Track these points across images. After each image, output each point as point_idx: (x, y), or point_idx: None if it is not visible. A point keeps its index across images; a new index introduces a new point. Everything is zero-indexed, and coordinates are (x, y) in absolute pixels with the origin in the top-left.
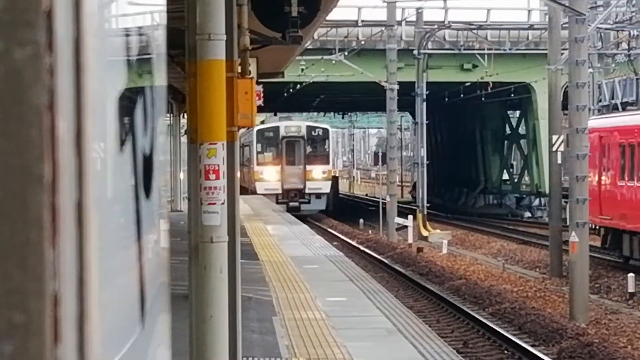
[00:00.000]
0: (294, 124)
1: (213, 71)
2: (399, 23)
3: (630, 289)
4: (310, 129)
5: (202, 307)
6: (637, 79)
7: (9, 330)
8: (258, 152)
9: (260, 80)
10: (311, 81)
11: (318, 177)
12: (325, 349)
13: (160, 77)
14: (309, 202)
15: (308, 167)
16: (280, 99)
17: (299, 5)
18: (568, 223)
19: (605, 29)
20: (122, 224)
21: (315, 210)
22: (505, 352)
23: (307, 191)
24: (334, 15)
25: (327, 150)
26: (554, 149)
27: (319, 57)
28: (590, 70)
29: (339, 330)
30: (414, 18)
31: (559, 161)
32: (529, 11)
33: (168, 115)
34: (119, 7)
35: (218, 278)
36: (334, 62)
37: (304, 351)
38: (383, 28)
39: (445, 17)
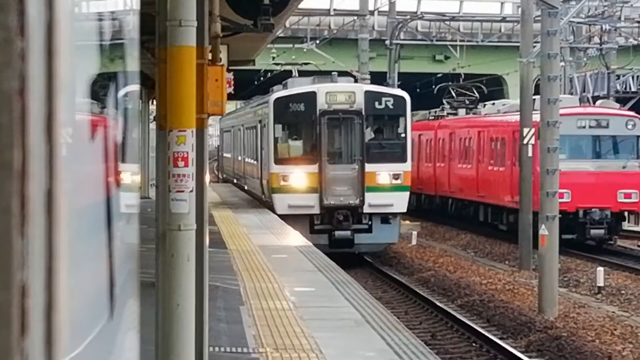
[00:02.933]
0: (343, 88)
1: (183, 58)
2: (372, 13)
3: (599, 282)
4: (372, 96)
5: (169, 296)
6: (608, 73)
7: None
8: (277, 140)
9: (230, 67)
10: (282, 69)
11: (386, 185)
12: (293, 339)
13: (132, 63)
14: (369, 230)
15: (369, 168)
16: (251, 86)
17: None
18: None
19: (578, 22)
20: (91, 212)
21: (381, 246)
22: (474, 344)
23: (366, 210)
24: (306, 3)
25: (404, 136)
26: (525, 141)
27: (290, 45)
28: (562, 63)
29: (307, 320)
30: (386, 8)
31: (529, 154)
32: (502, 3)
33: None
34: None
35: (185, 266)
36: (305, 50)
37: (271, 341)
38: (355, 17)
39: (417, 7)
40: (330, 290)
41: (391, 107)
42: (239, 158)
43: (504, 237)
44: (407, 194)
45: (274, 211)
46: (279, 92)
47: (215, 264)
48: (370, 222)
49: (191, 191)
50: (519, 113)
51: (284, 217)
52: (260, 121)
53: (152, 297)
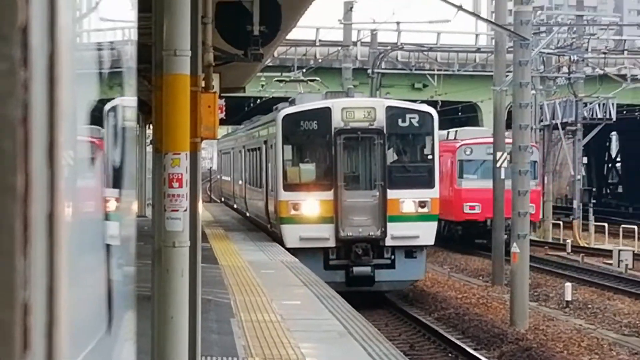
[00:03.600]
0: (362, 104)
1: (178, 85)
2: (355, 44)
3: (567, 297)
4: (395, 113)
5: (164, 308)
6: (576, 101)
7: None
8: (286, 163)
9: (222, 94)
10: (270, 96)
11: (411, 214)
12: (280, 349)
13: (130, 90)
14: (392, 266)
15: (391, 194)
16: (242, 112)
17: (260, 25)
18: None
19: (548, 53)
20: (90, 232)
21: (405, 283)
22: (450, 354)
23: (388, 243)
24: (293, 34)
25: (430, 158)
26: (498, 165)
27: (279, 73)
28: (533, 91)
29: (293, 332)
30: (368, 39)
31: (502, 176)
32: (477, 35)
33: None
34: (92, 22)
35: (179, 281)
36: (292, 77)
37: (259, 351)
38: (339, 48)
39: (398, 39)
40: (315, 303)
41: (416, 124)
42: (240, 182)
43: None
44: (435, 224)
45: (282, 244)
46: (288, 109)
47: (208, 279)
48: (393, 257)
49: (185, 210)
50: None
51: (294, 251)
52: (265, 142)
53: (148, 309)
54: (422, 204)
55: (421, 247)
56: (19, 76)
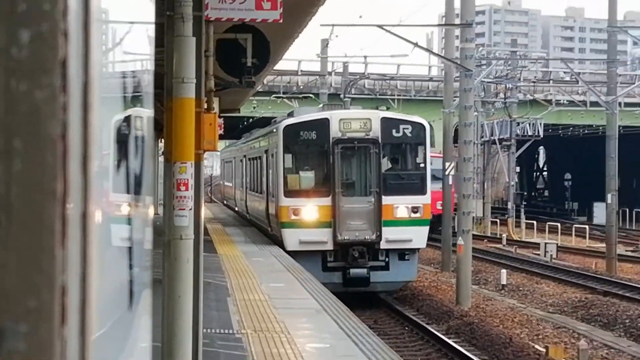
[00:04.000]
0: (359, 115)
1: (185, 107)
2: (330, 73)
3: (503, 281)
4: (389, 124)
5: (172, 289)
6: (510, 121)
7: (25, 315)
8: (287, 170)
9: (221, 114)
10: (261, 116)
11: (405, 219)
12: (267, 323)
13: (148, 110)
14: (386, 268)
15: (386, 200)
16: (237, 129)
17: (252, 58)
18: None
19: (487, 82)
20: (116, 227)
21: (399, 284)
22: (406, 328)
23: (383, 246)
24: (279, 65)
25: (422, 166)
26: (447, 173)
27: (267, 97)
28: (475, 113)
29: (278, 308)
30: (341, 70)
31: (450, 182)
32: (430, 67)
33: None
34: (117, 55)
35: (185, 267)
36: (279, 101)
37: (250, 324)
38: (317, 77)
39: (365, 69)
40: (296, 285)
41: (409, 135)
42: (241, 187)
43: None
44: (427, 228)
45: (282, 247)
46: (288, 120)
47: (208, 265)
48: (387, 259)
49: (190, 209)
50: None
51: (293, 253)
52: (266, 151)
53: (159, 290)
54: (414, 210)
55: (413, 250)
56: (59, 101)
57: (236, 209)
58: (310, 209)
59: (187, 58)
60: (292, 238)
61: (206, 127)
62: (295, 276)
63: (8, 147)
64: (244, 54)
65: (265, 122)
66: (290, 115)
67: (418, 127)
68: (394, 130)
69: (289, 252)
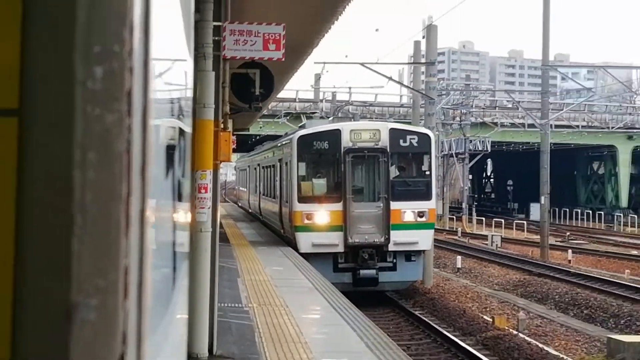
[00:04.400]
0: (368, 126)
1: (205, 127)
2: (321, 100)
3: (458, 265)
4: (397, 134)
5: (194, 272)
6: (465, 139)
7: (95, 292)
8: (301, 177)
9: (234, 132)
10: (266, 134)
11: (412, 223)
12: (269, 298)
13: (186, 130)
14: (393, 268)
15: (394, 205)
16: (247, 144)
17: (259, 88)
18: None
19: (447, 108)
20: (166, 226)
21: (405, 284)
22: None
23: (391, 248)
24: (281, 94)
25: (428, 173)
26: None
27: (272, 119)
28: (437, 132)
29: (278, 287)
30: (330, 97)
31: None
32: (401, 96)
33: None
34: (167, 86)
35: (204, 255)
36: (280, 122)
37: (256, 300)
38: (311, 103)
39: (349, 97)
40: (293, 269)
41: (415, 144)
42: (255, 192)
43: None
44: (432, 231)
45: (296, 249)
46: (302, 131)
47: (223, 253)
48: (394, 260)
49: (209, 208)
50: None
51: (306, 255)
52: (280, 160)
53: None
54: (420, 214)
55: (419, 252)
56: (125, 123)
57: (250, 210)
58: (323, 214)
59: (207, 88)
60: (305, 241)
61: (222, 143)
62: (292, 262)
63: (84, 160)
64: (253, 85)
65: (270, 138)
66: (302, 127)
67: (424, 138)
68: (401, 140)
69: (302, 254)
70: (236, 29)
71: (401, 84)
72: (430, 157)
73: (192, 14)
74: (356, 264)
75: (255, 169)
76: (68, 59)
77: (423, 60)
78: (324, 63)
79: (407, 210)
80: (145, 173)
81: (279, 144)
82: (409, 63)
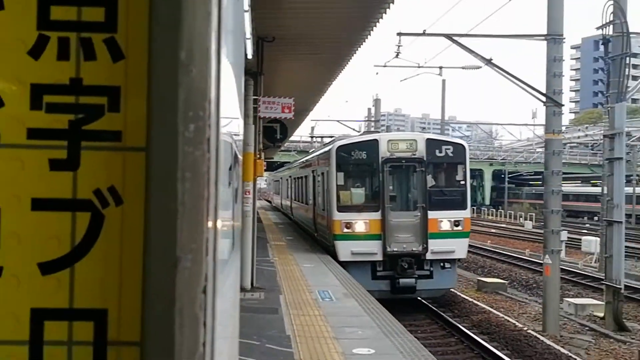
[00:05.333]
0: (405, 137)
1: (249, 157)
2: (314, 142)
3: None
4: (433, 144)
5: (243, 239)
6: None
7: (190, 251)
8: (340, 187)
9: (265, 160)
10: (283, 161)
11: (448, 231)
12: (285, 255)
13: (239, 157)
14: (430, 276)
15: (431, 214)
16: (273, 167)
17: (280, 134)
18: None
19: None
20: (228, 214)
21: (441, 291)
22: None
23: (429, 257)
24: (292, 137)
25: (462, 183)
26: None
27: (286, 152)
28: None
29: (289, 248)
30: (319, 141)
31: None
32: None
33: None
34: (228, 134)
35: (249, 229)
36: (291, 154)
37: (277, 255)
38: (308, 143)
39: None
40: (301, 240)
41: (451, 154)
42: (287, 197)
43: None
44: (467, 240)
45: (335, 257)
46: (341, 141)
47: (258, 229)
48: (431, 269)
49: (250, 203)
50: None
51: (345, 263)
52: (313, 171)
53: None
54: (456, 223)
55: (455, 260)
56: (206, 156)
57: (281, 209)
58: (361, 223)
59: (250, 135)
60: (344, 249)
61: (258, 166)
62: (299, 234)
63: (183, 177)
64: (276, 133)
65: (286, 164)
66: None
67: (459, 148)
68: (437, 150)
69: (341, 263)
70: (266, 100)
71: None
72: (465, 167)
73: (242, 91)
74: (395, 272)
75: (287, 180)
76: (174, 118)
77: (373, 119)
78: (317, 121)
79: (443, 219)
80: (217, 184)
81: (309, 158)
82: (364, 120)
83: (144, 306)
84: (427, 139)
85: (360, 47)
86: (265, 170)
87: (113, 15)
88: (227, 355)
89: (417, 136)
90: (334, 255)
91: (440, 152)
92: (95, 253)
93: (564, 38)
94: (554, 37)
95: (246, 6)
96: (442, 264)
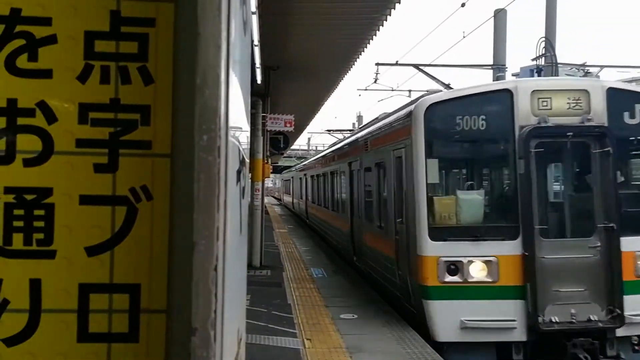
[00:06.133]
0: (566, 84)
1: (258, 162)
2: (315, 149)
3: None
4: (621, 100)
5: (253, 228)
6: None
7: (204, 237)
8: (431, 187)
9: (272, 164)
10: (285, 165)
11: None
12: (287, 240)
13: (246, 161)
14: None
15: (625, 243)
16: (277, 169)
17: (282, 144)
18: None
19: None
20: (236, 207)
21: None
22: None
23: (622, 332)
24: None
25: None
26: None
27: (289, 158)
28: None
29: (290, 234)
30: (314, 149)
31: None
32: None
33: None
34: (237, 143)
35: (258, 221)
36: (293, 159)
37: (281, 240)
38: (305, 151)
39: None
40: (302, 226)
41: None
42: (301, 197)
43: None
44: None
45: (420, 329)
46: (433, 96)
47: (266, 222)
48: (619, 353)
49: (259, 199)
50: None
51: (448, 346)
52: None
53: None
54: None
55: None
56: (216, 160)
57: (293, 209)
58: (481, 264)
59: (259, 144)
60: (446, 318)
61: (266, 169)
62: (301, 219)
63: (199, 178)
64: (280, 142)
65: (288, 167)
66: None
67: None
68: (626, 114)
69: (438, 345)
70: (272, 117)
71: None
72: None
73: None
74: None
75: (300, 179)
76: (191, 130)
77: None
78: (312, 133)
79: None
80: (226, 183)
81: (348, 143)
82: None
83: (169, 281)
84: (610, 90)
85: (347, 73)
86: (273, 173)
87: (145, 48)
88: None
89: (589, 85)
90: (411, 319)
91: (634, 116)
92: (131, 239)
93: (506, 67)
94: (498, 67)
95: (256, 41)
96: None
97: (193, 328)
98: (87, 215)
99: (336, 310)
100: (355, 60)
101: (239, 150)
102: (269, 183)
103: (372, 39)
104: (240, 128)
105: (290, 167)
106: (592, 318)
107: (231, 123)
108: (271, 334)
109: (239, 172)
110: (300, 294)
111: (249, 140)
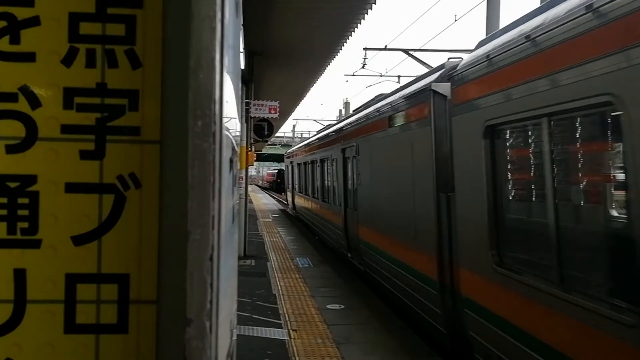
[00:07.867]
0: None
1: (242, 150)
2: (297, 136)
3: None
4: None
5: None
6: None
7: (199, 226)
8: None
9: (256, 152)
10: (269, 153)
11: None
12: (272, 229)
13: (237, 150)
14: None
15: None
16: (261, 157)
17: (266, 131)
18: None
19: None
20: (229, 195)
21: None
22: None
23: None
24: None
25: None
26: None
27: (273, 145)
28: None
29: (274, 222)
30: (299, 136)
31: None
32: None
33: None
34: (229, 130)
35: (241, 212)
36: (277, 147)
37: (265, 230)
38: (291, 138)
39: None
40: (286, 214)
41: None
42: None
43: None
44: None
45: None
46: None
47: (250, 212)
48: None
49: (242, 187)
50: None
51: None
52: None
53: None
54: None
55: None
56: (211, 147)
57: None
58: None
59: (243, 131)
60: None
61: (250, 157)
62: (283, 207)
63: (193, 164)
64: (264, 130)
65: (273, 157)
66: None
67: None
68: None
69: None
70: (256, 103)
71: None
72: None
73: (240, 95)
74: None
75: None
76: (185, 116)
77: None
78: (297, 120)
79: None
80: (221, 170)
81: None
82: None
83: (159, 271)
84: None
85: (333, 59)
86: (256, 161)
87: (132, 30)
88: (228, 312)
89: None
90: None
91: None
92: (119, 228)
93: None
94: None
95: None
96: None
97: (188, 319)
98: (74, 203)
99: (322, 301)
100: (343, 45)
101: (232, 138)
102: (252, 171)
103: (360, 23)
104: (233, 115)
105: (275, 154)
106: None
107: (225, 109)
108: (256, 324)
109: (231, 160)
110: (285, 284)
111: (239, 127)
